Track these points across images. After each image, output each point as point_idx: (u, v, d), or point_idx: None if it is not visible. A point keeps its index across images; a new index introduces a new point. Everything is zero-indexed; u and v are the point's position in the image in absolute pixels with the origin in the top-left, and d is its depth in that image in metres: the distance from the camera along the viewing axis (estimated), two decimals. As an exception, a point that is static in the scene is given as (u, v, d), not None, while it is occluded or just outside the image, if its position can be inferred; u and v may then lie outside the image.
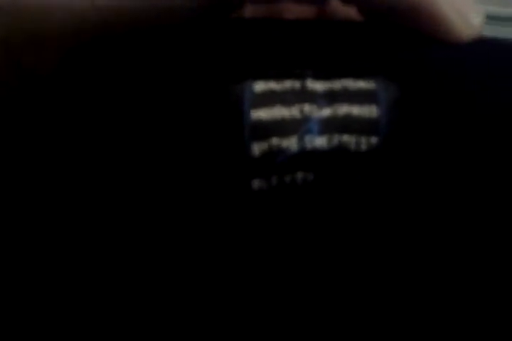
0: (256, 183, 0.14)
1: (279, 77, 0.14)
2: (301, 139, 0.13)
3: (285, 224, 0.14)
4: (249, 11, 0.17)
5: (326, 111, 0.14)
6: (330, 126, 0.14)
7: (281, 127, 0.13)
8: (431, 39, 0.15)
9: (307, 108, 0.14)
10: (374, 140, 0.13)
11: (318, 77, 0.14)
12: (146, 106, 0.14)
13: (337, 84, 0.14)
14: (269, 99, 0.13)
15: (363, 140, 0.13)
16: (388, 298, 0.14)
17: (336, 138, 0.13)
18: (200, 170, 0.14)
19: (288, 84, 0.14)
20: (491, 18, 0.18)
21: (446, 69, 0.14)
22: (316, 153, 0.13)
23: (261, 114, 0.13)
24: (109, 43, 0.14)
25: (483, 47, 0.15)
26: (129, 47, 0.14)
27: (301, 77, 0.14)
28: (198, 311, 0.14)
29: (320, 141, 0.14)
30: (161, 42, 0.14)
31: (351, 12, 0.16)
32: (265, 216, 0.14)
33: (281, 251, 0.14)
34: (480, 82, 0.14)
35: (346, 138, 0.13)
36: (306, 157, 0.13)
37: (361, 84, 0.14)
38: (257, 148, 0.13)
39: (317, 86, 0.14)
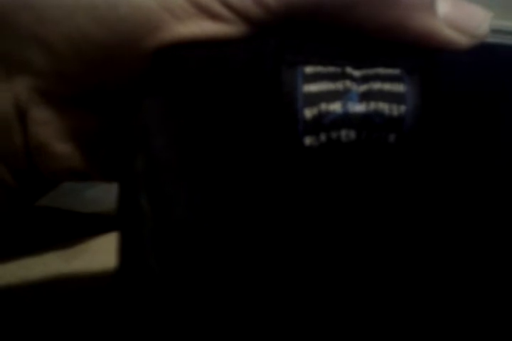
0: (307, 140, 0.17)
1: (324, 64, 0.17)
2: (344, 104, 0.17)
3: (334, 175, 0.17)
4: None
5: (363, 87, 0.17)
6: (367, 96, 0.17)
7: (328, 96, 0.17)
8: None
9: (348, 83, 0.17)
10: (403, 108, 0.17)
11: (354, 67, 0.17)
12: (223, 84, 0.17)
13: (370, 71, 0.17)
14: (317, 77, 0.17)
15: (394, 107, 0.17)
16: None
17: (373, 105, 0.17)
18: (260, 131, 0.17)
19: (331, 68, 0.17)
20: (493, 32, 0.20)
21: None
22: (357, 115, 0.17)
23: (311, 87, 0.17)
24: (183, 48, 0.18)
25: (493, 51, 0.18)
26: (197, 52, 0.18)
27: (341, 65, 0.17)
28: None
29: (359, 107, 0.17)
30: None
31: None
32: (315, 168, 0.17)
33: (328, 201, 0.17)
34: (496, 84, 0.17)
35: (381, 105, 0.17)
36: (349, 118, 0.17)
37: (389, 71, 0.17)
38: (309, 112, 0.17)
39: (355, 72, 0.17)
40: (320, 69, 0.17)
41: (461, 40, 0.18)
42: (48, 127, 0.19)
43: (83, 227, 0.33)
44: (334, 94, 0.17)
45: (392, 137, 0.17)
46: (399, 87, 0.17)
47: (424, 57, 0.18)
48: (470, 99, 0.17)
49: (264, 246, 0.17)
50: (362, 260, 0.17)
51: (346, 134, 0.16)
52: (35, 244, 0.31)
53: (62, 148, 0.20)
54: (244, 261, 0.17)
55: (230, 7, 0.17)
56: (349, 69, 0.17)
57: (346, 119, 0.16)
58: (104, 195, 0.33)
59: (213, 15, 0.17)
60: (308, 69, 0.17)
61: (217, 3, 0.17)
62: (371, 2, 0.17)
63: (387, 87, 0.17)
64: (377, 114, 0.17)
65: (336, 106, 0.16)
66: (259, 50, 0.17)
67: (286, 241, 0.17)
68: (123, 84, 0.18)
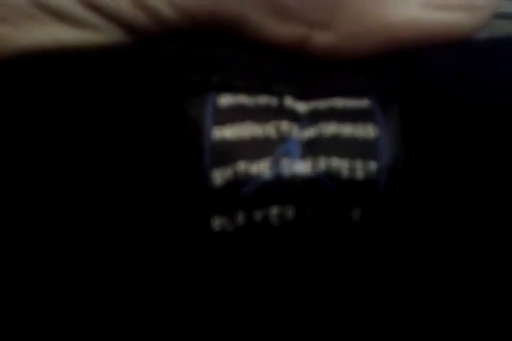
0: (217, 222, 0.10)
1: (251, 90, 0.10)
2: (275, 163, 0.10)
3: (254, 276, 0.11)
4: None
5: (309, 131, 0.10)
6: (314, 147, 0.10)
7: (251, 148, 0.10)
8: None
9: (285, 126, 0.10)
10: (372, 166, 0.10)
11: (299, 96, 0.10)
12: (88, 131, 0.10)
13: (323, 104, 0.10)
14: (237, 114, 0.10)
15: (359, 165, 0.10)
16: None
17: (323, 162, 0.10)
18: (148, 207, 0.11)
19: (263, 99, 0.10)
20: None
21: (442, 79, 0.10)
22: (297, 181, 0.10)
23: (226, 132, 0.10)
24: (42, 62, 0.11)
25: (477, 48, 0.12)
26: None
27: (278, 94, 0.10)
28: None
29: (301, 166, 0.10)
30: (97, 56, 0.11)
31: None
32: (229, 266, 0.11)
33: (248, 312, 0.11)
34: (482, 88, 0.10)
35: (336, 162, 0.10)
36: (283, 186, 0.10)
37: (353, 103, 0.10)
38: (219, 176, 0.10)
39: (298, 106, 0.10)
40: (244, 99, 0.11)
41: (457, 18, 0.12)
42: None
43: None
44: (261, 145, 0.10)
45: (355, 213, 0.10)
46: (367, 131, 0.10)
47: (402, 69, 0.11)
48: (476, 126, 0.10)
49: None
50: None
51: (279, 214, 0.10)
52: None
53: None
54: None
55: (99, 12, 0.12)
56: (290, 101, 0.11)
57: (279, 188, 0.10)
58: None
59: (74, 21, 0.11)
60: (225, 100, 0.10)
61: (79, 7, 0.12)
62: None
63: (347, 131, 0.10)
64: (331, 178, 0.10)
65: (262, 167, 0.10)
66: (147, 60, 0.11)
67: None
68: None
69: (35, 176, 0.10)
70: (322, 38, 0.12)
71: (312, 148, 0.10)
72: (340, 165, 0.10)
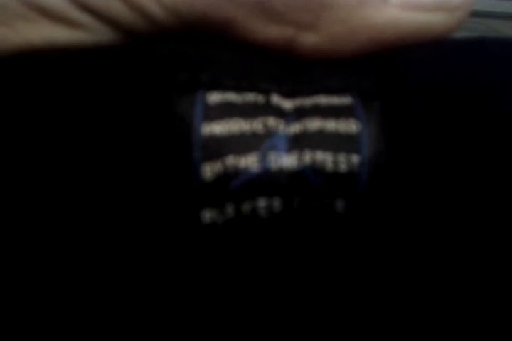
0: (207, 215, 0.11)
1: (239, 88, 0.11)
2: (263, 157, 0.11)
3: (245, 268, 0.11)
4: None
5: (295, 127, 0.11)
6: (300, 141, 0.11)
7: (239, 143, 0.11)
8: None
9: (272, 121, 0.11)
10: (355, 159, 0.11)
11: (285, 94, 0.11)
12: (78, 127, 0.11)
13: (308, 101, 0.11)
14: (225, 111, 0.11)
15: (342, 158, 0.11)
16: None
17: (308, 156, 0.11)
18: (140, 202, 0.11)
19: (250, 97, 0.11)
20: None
21: (424, 75, 0.11)
22: (283, 174, 0.11)
23: (215, 127, 0.11)
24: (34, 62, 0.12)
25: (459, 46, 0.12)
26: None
27: (265, 91, 0.11)
28: None
29: (288, 160, 0.11)
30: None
31: None
32: (219, 257, 0.11)
33: (238, 305, 0.12)
34: (466, 86, 0.11)
35: (320, 155, 0.11)
36: (270, 179, 0.11)
37: (335, 100, 0.11)
38: (209, 170, 0.11)
39: (284, 103, 0.11)
40: (232, 97, 0.11)
41: (436, 18, 0.13)
42: None
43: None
44: (249, 140, 0.11)
45: (339, 204, 0.11)
46: (349, 126, 0.11)
47: (382, 67, 0.11)
48: (458, 121, 0.11)
49: None
50: None
51: (266, 205, 0.10)
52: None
53: None
54: None
55: (91, 12, 0.12)
56: (276, 98, 0.11)
57: (266, 181, 0.10)
58: None
59: (66, 21, 0.12)
60: (214, 98, 0.11)
61: (71, 7, 0.12)
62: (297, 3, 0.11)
63: (330, 126, 0.11)
64: (315, 171, 0.10)
65: (250, 161, 0.10)
66: (138, 60, 0.11)
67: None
68: None
69: (27, 174, 0.11)
70: (309, 39, 0.12)
71: (298, 142, 0.11)
72: (325, 158, 0.11)
